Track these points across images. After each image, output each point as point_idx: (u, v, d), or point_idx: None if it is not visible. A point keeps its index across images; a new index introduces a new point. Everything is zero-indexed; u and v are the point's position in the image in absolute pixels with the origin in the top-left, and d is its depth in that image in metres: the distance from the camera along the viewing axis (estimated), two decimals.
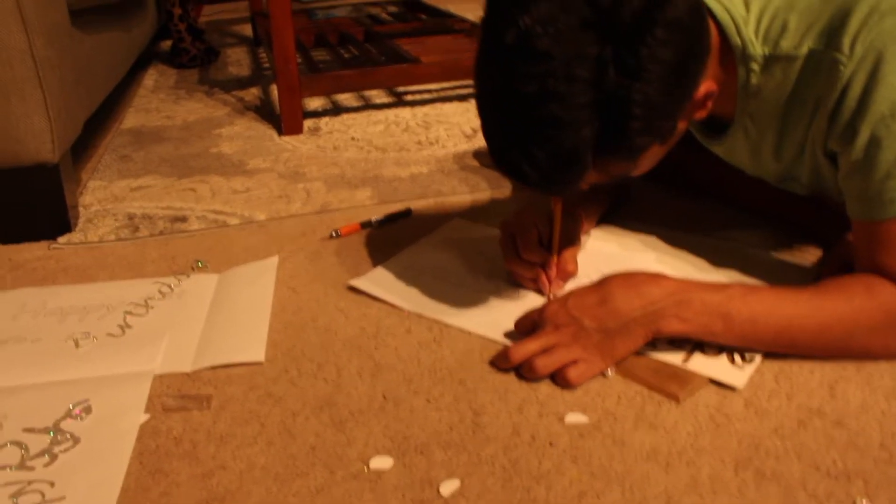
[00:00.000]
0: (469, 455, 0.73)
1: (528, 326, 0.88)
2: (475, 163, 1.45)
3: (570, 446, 0.73)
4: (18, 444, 0.78)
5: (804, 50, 0.82)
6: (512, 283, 0.99)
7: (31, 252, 1.20)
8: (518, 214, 0.99)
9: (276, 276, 1.06)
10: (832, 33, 0.80)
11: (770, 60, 0.85)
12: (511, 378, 0.83)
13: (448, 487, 0.69)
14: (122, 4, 1.90)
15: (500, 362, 0.85)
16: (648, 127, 0.74)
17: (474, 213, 1.23)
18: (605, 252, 1.07)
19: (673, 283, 0.82)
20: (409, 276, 1.03)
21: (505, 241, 0.98)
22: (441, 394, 0.81)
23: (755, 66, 0.86)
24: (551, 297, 0.96)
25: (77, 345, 0.93)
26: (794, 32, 0.83)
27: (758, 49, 0.85)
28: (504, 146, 0.77)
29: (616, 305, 0.81)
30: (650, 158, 0.83)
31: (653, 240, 1.10)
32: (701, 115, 0.85)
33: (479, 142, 1.57)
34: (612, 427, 0.76)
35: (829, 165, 0.87)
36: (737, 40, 0.85)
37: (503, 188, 1.33)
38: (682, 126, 0.84)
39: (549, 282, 0.96)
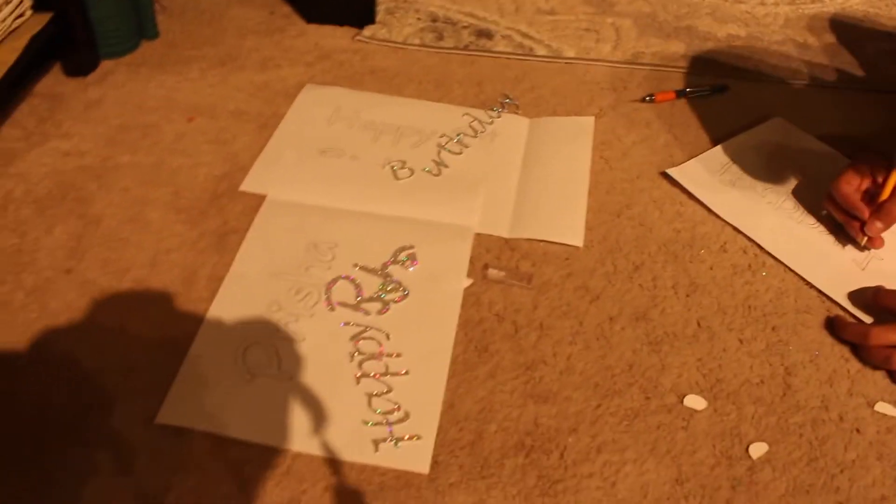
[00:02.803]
0: (778, 418, 0.73)
1: (890, 304, 0.82)
2: (803, 37, 1.31)
3: (877, 440, 0.72)
4: (352, 280, 0.84)
5: None
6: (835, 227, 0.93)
7: (337, 41, 1.21)
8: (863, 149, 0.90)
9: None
10: None
11: None
12: (823, 338, 0.81)
13: (757, 450, 0.71)
14: None
15: (848, 334, 0.80)
16: None
17: (795, 107, 1.13)
18: None
19: None
20: (725, 179, 0.98)
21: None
22: (754, 337, 0.81)
23: None
24: (863, 244, 0.89)
25: (396, 176, 0.97)
26: None
27: None
28: None
29: None
30: None
31: None
32: None
33: (812, 6, 1.40)
34: None
35: None
36: None
37: (829, 80, 1.21)
38: None
39: (862, 224, 0.87)
